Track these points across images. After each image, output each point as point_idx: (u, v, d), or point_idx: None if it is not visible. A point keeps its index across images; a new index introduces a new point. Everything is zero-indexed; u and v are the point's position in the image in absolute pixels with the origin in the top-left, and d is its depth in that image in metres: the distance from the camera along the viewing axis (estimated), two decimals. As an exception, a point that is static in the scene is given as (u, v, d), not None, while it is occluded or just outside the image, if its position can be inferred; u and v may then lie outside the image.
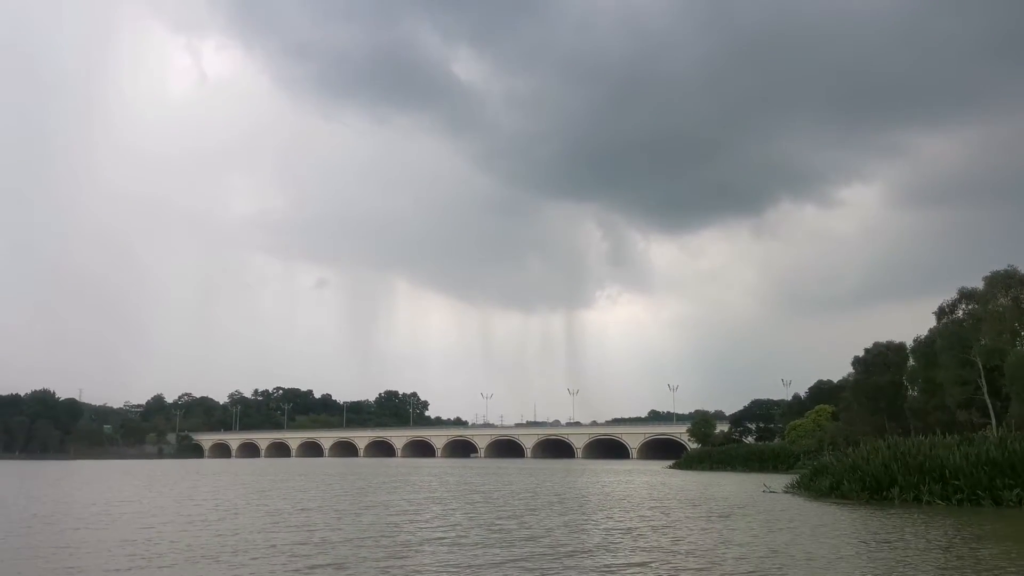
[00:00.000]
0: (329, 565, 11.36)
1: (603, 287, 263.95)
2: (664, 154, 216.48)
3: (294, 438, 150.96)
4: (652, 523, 17.12)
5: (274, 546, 13.41)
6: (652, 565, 11.48)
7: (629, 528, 15.88)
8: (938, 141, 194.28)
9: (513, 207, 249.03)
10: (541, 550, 12.83)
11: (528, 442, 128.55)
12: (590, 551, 12.88)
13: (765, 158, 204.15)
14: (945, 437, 24.22)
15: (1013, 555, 12.30)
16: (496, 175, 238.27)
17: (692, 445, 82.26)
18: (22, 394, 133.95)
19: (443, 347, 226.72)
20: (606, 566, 11.37)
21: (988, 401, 35.18)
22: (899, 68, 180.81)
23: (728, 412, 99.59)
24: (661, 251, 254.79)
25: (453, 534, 14.67)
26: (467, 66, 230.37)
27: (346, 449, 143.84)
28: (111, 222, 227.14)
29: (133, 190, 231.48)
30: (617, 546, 13.54)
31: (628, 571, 11.00)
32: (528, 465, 75.94)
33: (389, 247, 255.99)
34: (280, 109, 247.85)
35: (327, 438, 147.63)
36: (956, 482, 21.10)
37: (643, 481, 38.95)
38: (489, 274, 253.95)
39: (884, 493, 22.33)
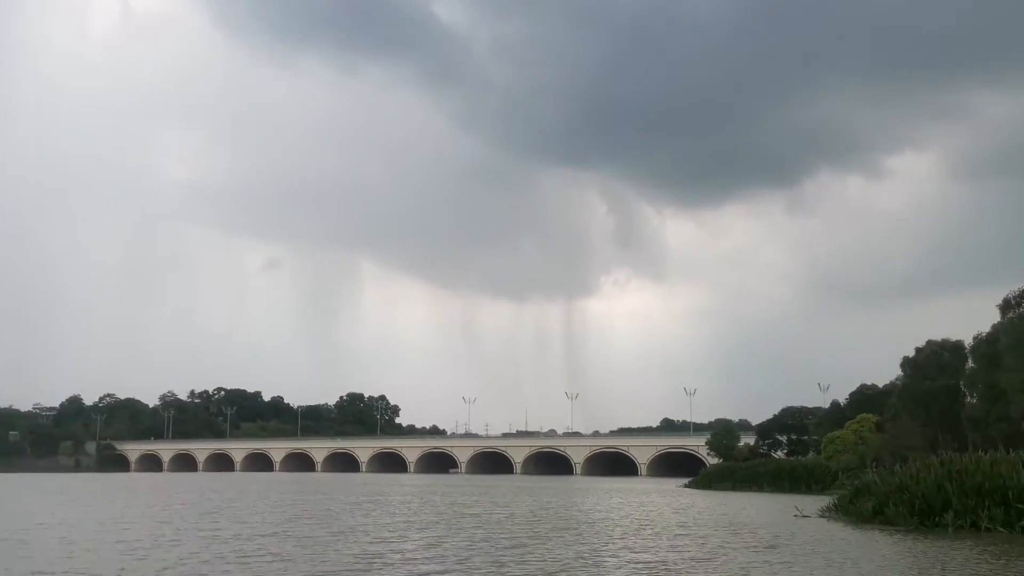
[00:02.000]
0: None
1: (609, 272, 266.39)
2: (682, 114, 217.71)
3: (238, 449, 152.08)
4: (687, 554, 17.11)
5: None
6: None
7: (663, 561, 15.91)
8: (1004, 102, 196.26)
9: (503, 175, 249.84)
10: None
11: (518, 455, 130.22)
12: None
13: (801, 120, 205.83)
14: (1009, 453, 24.35)
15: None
16: (483, 137, 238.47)
17: (712, 460, 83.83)
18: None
19: (418, 342, 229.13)
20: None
21: (1059, 411, 35.76)
22: (956, 18, 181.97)
23: (755, 421, 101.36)
24: (677, 229, 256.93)
25: (446, 567, 14.73)
26: (450, 6, 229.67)
27: (301, 462, 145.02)
28: (14, 187, 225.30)
29: (40, 149, 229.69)
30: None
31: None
32: (520, 483, 76.55)
33: (354, 221, 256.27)
34: (224, 53, 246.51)
35: (278, 449, 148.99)
36: (1021, 506, 21.26)
37: (661, 502, 39.34)
38: (473, 255, 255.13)
39: (936, 518, 22.53)
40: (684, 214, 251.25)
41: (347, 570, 14.26)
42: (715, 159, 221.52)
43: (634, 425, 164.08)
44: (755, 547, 18.64)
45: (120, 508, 31.14)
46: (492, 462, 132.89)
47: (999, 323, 40.13)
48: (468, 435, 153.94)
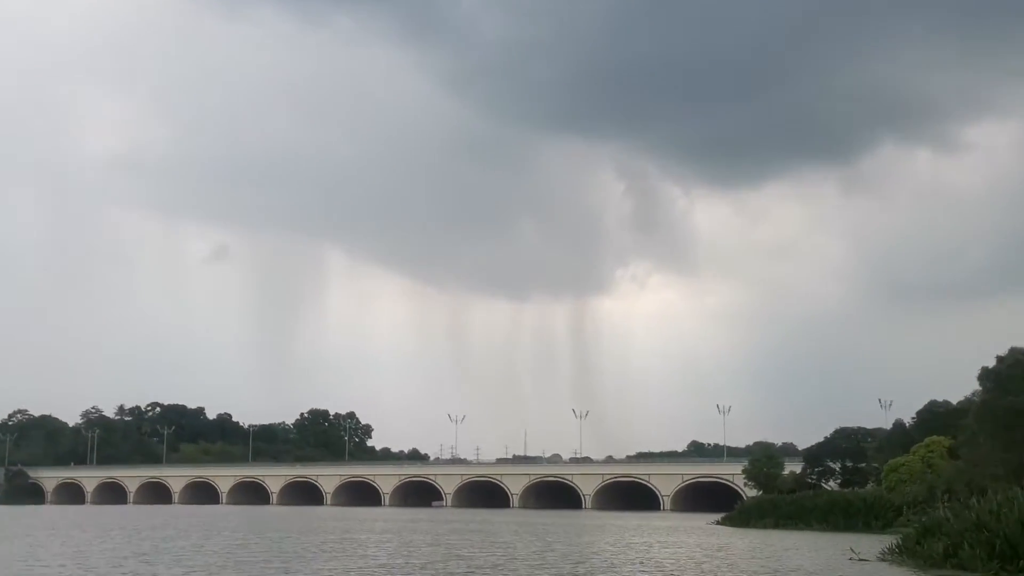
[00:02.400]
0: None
1: (626, 264, 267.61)
2: (714, 74, 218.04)
3: (178, 476, 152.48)
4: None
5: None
6: None
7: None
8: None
9: (498, 148, 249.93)
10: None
11: (515, 485, 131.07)
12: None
13: (858, 82, 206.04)
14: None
15: None
16: (474, 102, 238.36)
17: (750, 492, 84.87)
18: None
19: (395, 349, 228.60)
20: None
21: None
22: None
23: (801, 445, 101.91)
24: (708, 213, 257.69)
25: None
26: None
27: (252, 492, 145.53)
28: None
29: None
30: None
31: None
32: (518, 518, 76.78)
33: (319, 203, 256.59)
34: (164, 3, 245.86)
35: (225, 477, 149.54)
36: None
37: (689, 543, 39.52)
38: (464, 245, 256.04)
39: (1021, 563, 22.48)
40: (717, 195, 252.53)
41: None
42: (755, 129, 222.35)
43: (656, 449, 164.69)
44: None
45: (25, 555, 30.89)
46: (484, 493, 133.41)
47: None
48: (455, 461, 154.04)
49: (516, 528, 54.57)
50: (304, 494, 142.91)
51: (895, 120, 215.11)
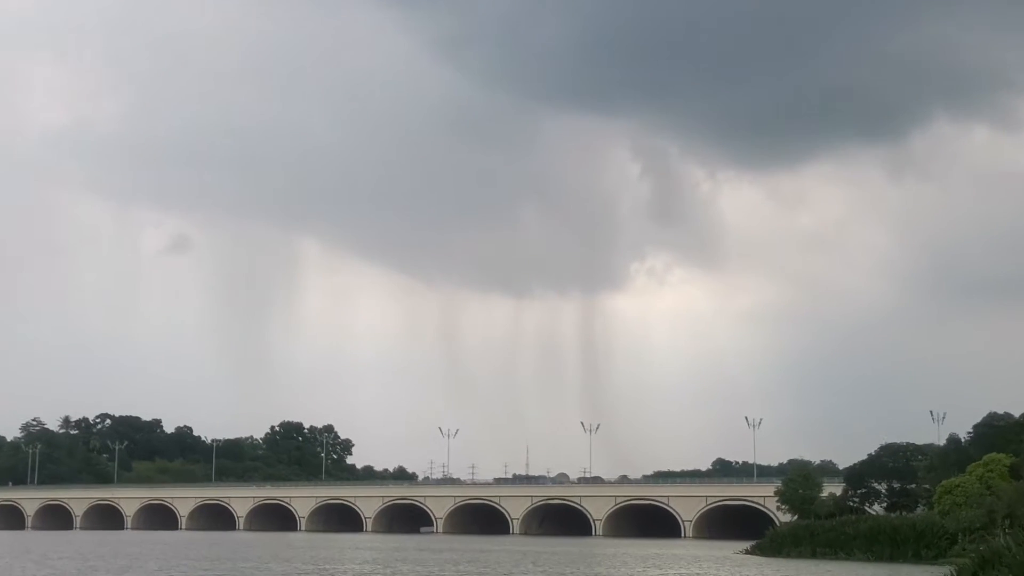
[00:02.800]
0: None
1: (642, 257, 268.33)
2: (745, 41, 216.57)
3: (131, 498, 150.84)
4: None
5: None
6: None
7: None
8: None
9: (497, 124, 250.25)
10: None
11: (515, 508, 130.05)
12: None
13: (908, 48, 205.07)
14: None
15: None
16: (470, 72, 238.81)
17: (783, 516, 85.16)
18: None
19: (378, 353, 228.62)
20: None
21: None
22: None
23: (842, 464, 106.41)
24: (737, 198, 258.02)
25: None
26: None
27: (216, 517, 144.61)
28: None
29: None
30: None
31: None
32: (519, 546, 76.87)
33: (293, 187, 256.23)
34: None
35: (185, 499, 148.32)
36: None
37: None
38: (456, 234, 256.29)
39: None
40: (747, 178, 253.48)
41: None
42: (791, 103, 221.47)
43: (675, 468, 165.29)
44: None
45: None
46: (480, 518, 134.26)
47: None
48: (447, 481, 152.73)
49: (517, 559, 54.48)
50: (275, 518, 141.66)
51: (949, 92, 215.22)
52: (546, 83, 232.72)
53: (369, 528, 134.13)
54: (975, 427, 72.45)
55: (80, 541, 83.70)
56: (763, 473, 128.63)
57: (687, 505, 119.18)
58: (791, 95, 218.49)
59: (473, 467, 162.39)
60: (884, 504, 78.57)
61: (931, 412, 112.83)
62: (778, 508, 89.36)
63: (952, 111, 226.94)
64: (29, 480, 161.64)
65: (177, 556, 52.44)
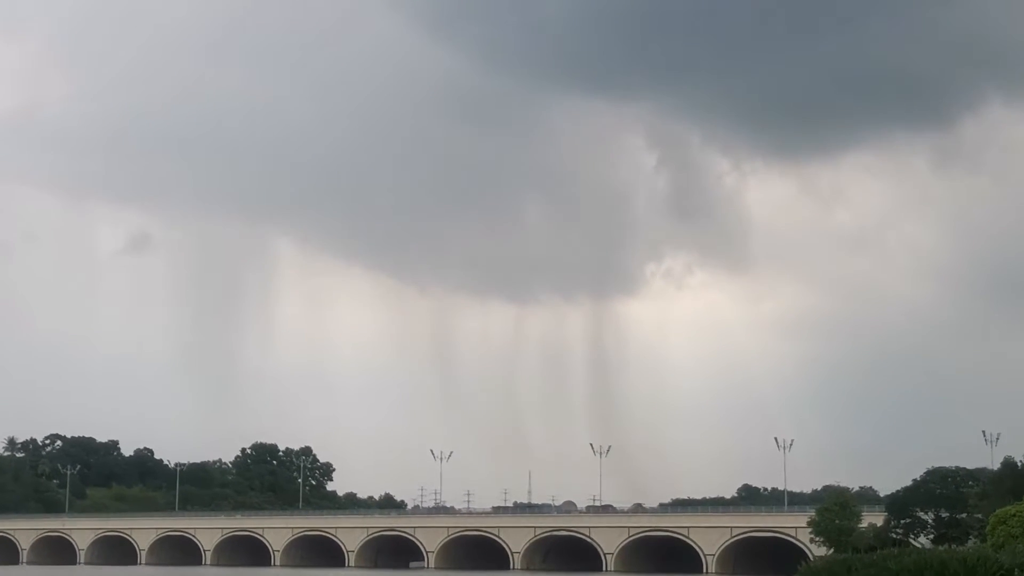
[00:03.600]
0: None
1: (659, 257, 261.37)
2: (773, 15, 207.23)
3: (84, 529, 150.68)
4: None
5: None
6: None
7: None
8: None
9: (496, 108, 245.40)
10: None
11: (516, 541, 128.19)
12: None
13: (957, 25, 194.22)
14: None
15: None
16: (466, 49, 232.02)
17: (818, 550, 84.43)
18: None
19: (362, 366, 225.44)
20: None
21: None
22: None
23: (884, 491, 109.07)
24: (766, 192, 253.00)
25: None
26: None
27: (180, 550, 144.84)
28: None
29: None
30: None
31: None
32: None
33: (263, 179, 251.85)
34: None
35: (145, 530, 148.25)
36: None
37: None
38: (450, 232, 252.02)
39: None
40: (777, 169, 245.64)
41: None
42: (825, 85, 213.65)
43: (696, 495, 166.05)
44: None
45: None
46: (476, 551, 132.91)
47: None
48: (439, 510, 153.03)
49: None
50: (246, 552, 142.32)
51: (1003, 72, 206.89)
52: (551, 63, 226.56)
53: (352, 563, 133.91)
54: (1033, 450, 71.65)
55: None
56: (794, 501, 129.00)
57: (709, 537, 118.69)
58: (826, 76, 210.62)
59: (469, 494, 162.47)
60: (931, 536, 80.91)
61: (983, 432, 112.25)
62: (811, 540, 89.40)
63: (1006, 93, 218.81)
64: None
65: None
